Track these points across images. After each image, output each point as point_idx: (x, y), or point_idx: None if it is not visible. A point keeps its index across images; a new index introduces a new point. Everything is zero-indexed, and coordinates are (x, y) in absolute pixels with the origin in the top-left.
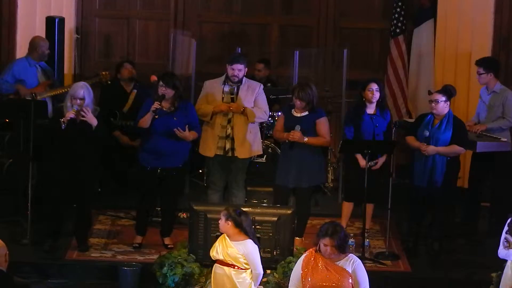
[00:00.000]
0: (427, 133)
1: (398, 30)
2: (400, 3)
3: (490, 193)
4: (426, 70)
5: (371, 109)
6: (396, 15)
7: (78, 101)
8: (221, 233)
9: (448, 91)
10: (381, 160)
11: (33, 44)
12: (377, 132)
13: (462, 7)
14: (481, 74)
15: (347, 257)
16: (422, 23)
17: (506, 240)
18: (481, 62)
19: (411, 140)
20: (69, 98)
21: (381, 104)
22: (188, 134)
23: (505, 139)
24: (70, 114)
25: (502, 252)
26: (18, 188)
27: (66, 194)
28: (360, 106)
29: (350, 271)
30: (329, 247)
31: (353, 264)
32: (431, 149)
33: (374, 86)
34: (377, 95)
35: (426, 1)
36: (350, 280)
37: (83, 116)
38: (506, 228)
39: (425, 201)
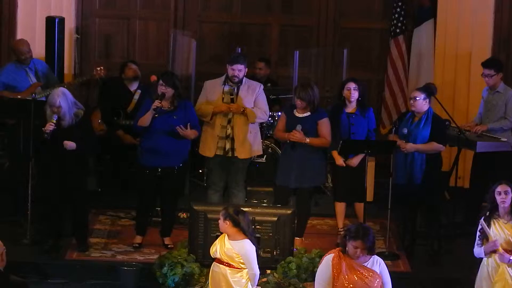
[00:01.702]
0: (405, 131)
1: (398, 30)
2: (400, 3)
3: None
4: (426, 70)
5: (350, 108)
6: (396, 15)
7: (55, 109)
8: (222, 233)
9: (428, 89)
10: (357, 158)
11: (13, 49)
12: (353, 130)
13: (462, 7)
14: (493, 75)
15: (371, 258)
16: (422, 23)
17: (479, 238)
18: (491, 64)
19: (392, 138)
20: (48, 107)
21: (361, 103)
22: (190, 132)
23: (505, 139)
24: (50, 127)
25: (476, 250)
26: (18, 188)
27: (60, 195)
28: (338, 106)
29: (379, 272)
30: (359, 250)
31: (379, 265)
32: (410, 146)
33: (352, 85)
34: (355, 94)
35: (426, 1)
36: (378, 281)
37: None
38: (479, 226)
39: (406, 199)
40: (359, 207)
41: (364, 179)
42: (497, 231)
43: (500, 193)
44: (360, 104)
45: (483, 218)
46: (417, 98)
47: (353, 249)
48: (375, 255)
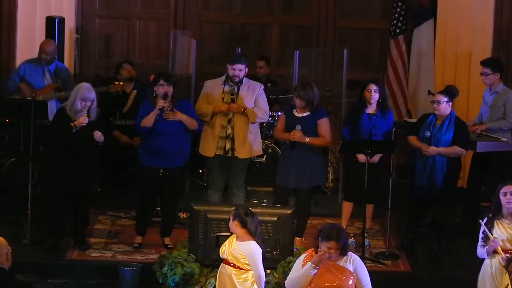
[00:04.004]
0: (428, 134)
1: (398, 30)
2: (400, 3)
3: (489, 193)
4: (426, 70)
5: (371, 109)
6: (396, 15)
7: (89, 103)
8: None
9: (450, 92)
10: (377, 155)
11: (40, 47)
12: (374, 132)
13: (462, 7)
14: (488, 74)
15: (346, 256)
16: (422, 23)
17: (482, 239)
18: (488, 63)
19: (413, 140)
20: (78, 101)
21: (381, 104)
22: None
23: (505, 139)
24: (84, 120)
25: (479, 251)
26: (18, 188)
27: (68, 195)
28: (359, 107)
29: (352, 270)
30: (333, 250)
31: (353, 262)
32: (432, 149)
33: (373, 87)
34: (375, 95)
35: (426, 1)
36: (352, 278)
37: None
38: (482, 228)
39: (425, 201)
40: (369, 208)
41: (377, 180)
42: (501, 231)
43: (505, 194)
44: (380, 106)
45: (486, 219)
46: (441, 102)
47: (327, 250)
48: (350, 253)
